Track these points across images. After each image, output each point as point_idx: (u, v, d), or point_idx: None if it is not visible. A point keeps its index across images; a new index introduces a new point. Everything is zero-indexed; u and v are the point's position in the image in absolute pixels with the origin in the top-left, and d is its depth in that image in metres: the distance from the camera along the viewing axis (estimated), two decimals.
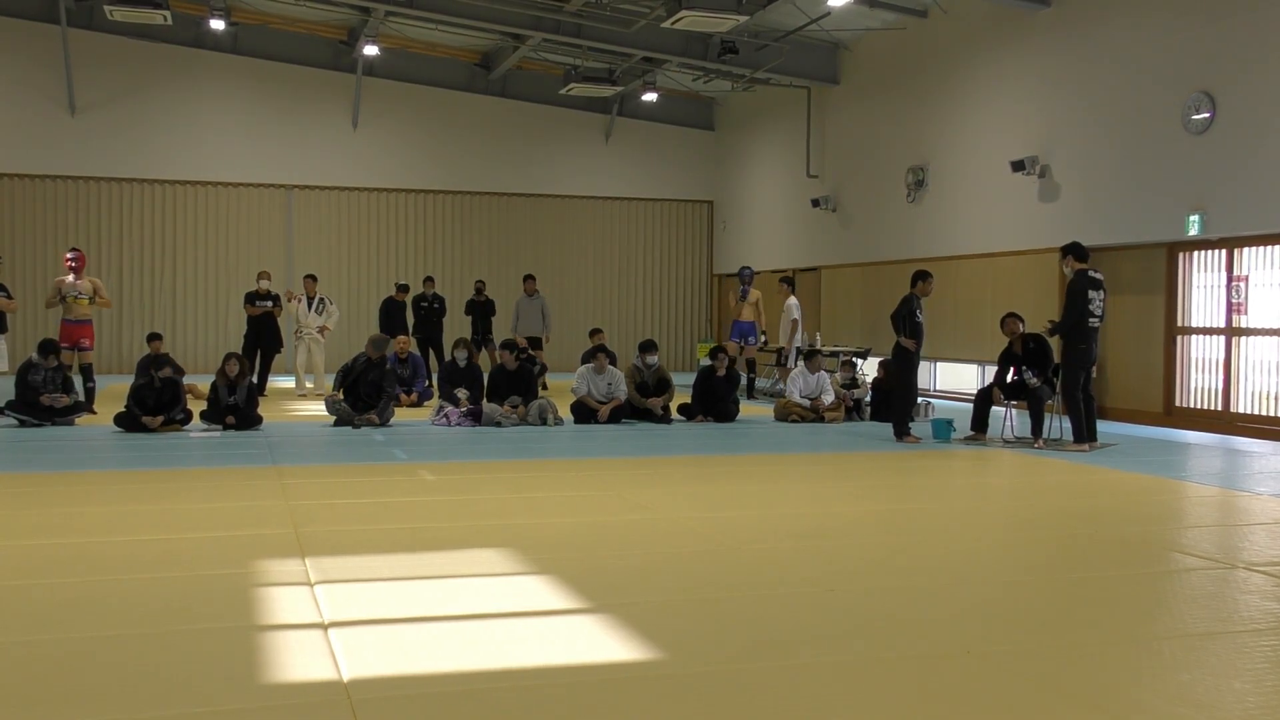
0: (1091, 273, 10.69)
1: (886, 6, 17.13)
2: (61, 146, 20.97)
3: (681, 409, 13.35)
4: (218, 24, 19.35)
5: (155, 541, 6.06)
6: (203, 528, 6.49)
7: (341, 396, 12.16)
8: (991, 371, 12.42)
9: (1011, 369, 11.32)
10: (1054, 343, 11.00)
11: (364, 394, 12.24)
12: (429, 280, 18.08)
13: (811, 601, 4.96)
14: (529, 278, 17.95)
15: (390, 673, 3.90)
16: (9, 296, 12.75)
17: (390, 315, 17.26)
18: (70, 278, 13.16)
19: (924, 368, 15.63)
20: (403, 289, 17.67)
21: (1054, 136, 14.69)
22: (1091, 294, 10.54)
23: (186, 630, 4.42)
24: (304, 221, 22.44)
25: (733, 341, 16.57)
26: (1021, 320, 11.36)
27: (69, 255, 13.37)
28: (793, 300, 16.40)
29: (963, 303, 16.20)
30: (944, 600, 5.05)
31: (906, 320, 11.25)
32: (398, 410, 13.19)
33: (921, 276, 11.49)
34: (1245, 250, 12.51)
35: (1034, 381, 10.97)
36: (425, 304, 17.65)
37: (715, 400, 13.18)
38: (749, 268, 17.46)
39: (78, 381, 12.79)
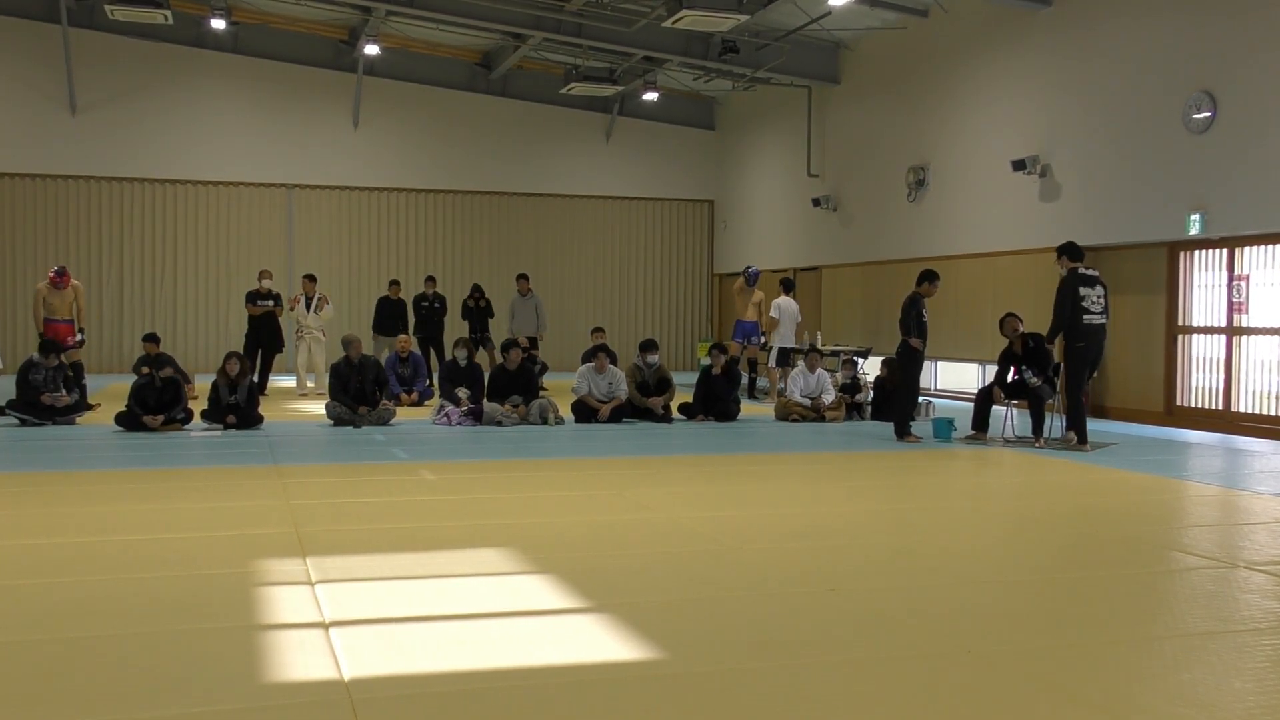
0: (1083, 270, 10.67)
1: (887, 6, 17.12)
2: (61, 146, 20.96)
3: (682, 408, 13.35)
4: (218, 23, 19.34)
5: (155, 541, 6.06)
6: (203, 527, 6.50)
7: (341, 403, 12.12)
8: (992, 371, 12.41)
9: (1011, 368, 11.32)
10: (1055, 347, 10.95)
11: (367, 393, 12.27)
12: (430, 280, 18.03)
13: (812, 601, 4.95)
14: (522, 277, 17.91)
15: (390, 672, 3.90)
16: None
17: (383, 313, 17.14)
18: (45, 283, 13.51)
19: (925, 367, 15.61)
20: (394, 285, 17.54)
21: (1054, 136, 14.69)
22: (1085, 290, 10.51)
23: (186, 630, 4.42)
24: (304, 221, 22.44)
25: (735, 341, 16.58)
26: (1021, 320, 11.35)
27: (54, 273, 13.57)
28: (780, 299, 16.36)
29: (963, 303, 16.19)
30: (945, 600, 5.05)
31: (914, 320, 11.24)
32: (398, 410, 13.19)
33: (928, 277, 11.48)
34: (1246, 249, 12.51)
35: (1034, 381, 10.96)
36: (426, 303, 17.62)
37: (715, 399, 13.18)
38: (753, 267, 17.47)
39: None
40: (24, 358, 12.58)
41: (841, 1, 16.16)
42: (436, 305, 17.67)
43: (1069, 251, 10.75)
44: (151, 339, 13.88)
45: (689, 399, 13.46)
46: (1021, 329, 11.29)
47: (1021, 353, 11.22)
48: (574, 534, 6.42)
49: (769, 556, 5.91)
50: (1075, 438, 10.61)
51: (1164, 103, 12.96)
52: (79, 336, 13.46)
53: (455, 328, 18.71)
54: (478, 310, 17.84)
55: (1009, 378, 11.34)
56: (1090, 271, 10.76)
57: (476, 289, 18.24)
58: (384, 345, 16.60)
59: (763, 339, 16.71)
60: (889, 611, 4.79)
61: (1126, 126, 13.53)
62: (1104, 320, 10.66)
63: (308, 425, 12.40)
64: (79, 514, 6.99)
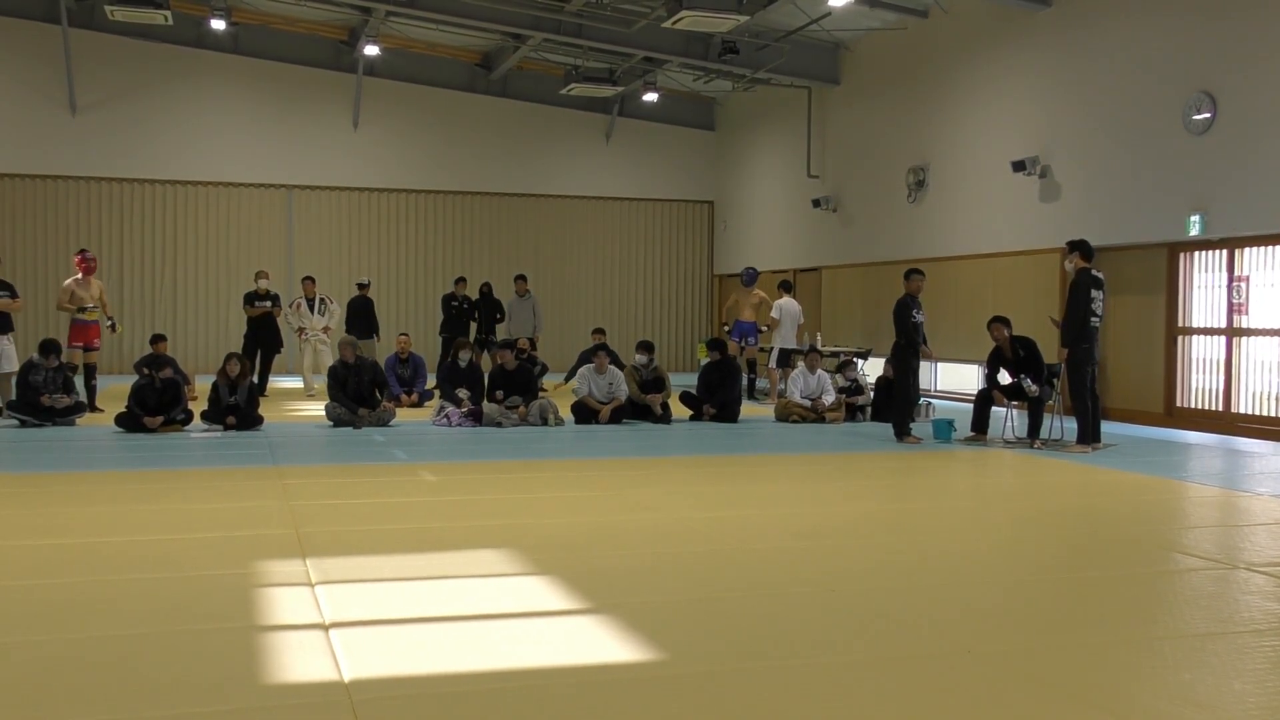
0: (1094, 272, 10.67)
1: (887, 6, 17.12)
2: (61, 146, 20.96)
3: (684, 397, 13.40)
4: (218, 24, 19.35)
5: (155, 541, 6.05)
6: (203, 528, 6.49)
7: (341, 405, 12.14)
8: None
9: (1005, 373, 11.28)
10: (1060, 354, 10.87)
11: (365, 394, 12.28)
12: (461, 281, 18.08)
13: (812, 601, 4.95)
14: (520, 278, 18.01)
15: (390, 673, 3.89)
16: (14, 296, 12.76)
17: (357, 314, 16.92)
18: (80, 275, 13.54)
19: (925, 368, 15.62)
20: (365, 286, 17.39)
21: (1055, 136, 14.69)
22: (1094, 293, 10.52)
23: (186, 630, 4.42)
24: (304, 221, 22.44)
25: (733, 341, 16.59)
26: (1008, 325, 11.28)
27: (88, 257, 13.66)
28: (781, 300, 16.40)
29: (963, 303, 16.19)
30: (944, 600, 5.05)
31: (906, 322, 11.23)
32: (398, 410, 13.20)
33: (907, 275, 11.52)
34: (1246, 250, 12.50)
35: (1033, 389, 10.91)
36: (456, 304, 17.72)
37: (714, 389, 13.23)
38: (753, 268, 17.49)
39: (78, 381, 12.90)
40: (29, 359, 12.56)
41: (841, 2, 16.16)
42: (465, 306, 17.76)
43: (1082, 249, 10.64)
44: (160, 339, 13.91)
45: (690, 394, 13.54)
46: (1009, 334, 11.22)
47: (1012, 359, 11.19)
48: (574, 535, 6.42)
49: (769, 557, 5.91)
50: (1092, 448, 10.53)
51: (1164, 103, 12.96)
52: (110, 322, 13.74)
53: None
54: (483, 308, 17.87)
55: (1000, 380, 11.32)
56: (1099, 273, 10.75)
57: (484, 286, 18.27)
58: (363, 349, 16.42)
59: (756, 338, 16.72)
60: (889, 611, 4.79)
61: (1126, 127, 13.53)
62: (1100, 323, 10.69)
63: (307, 426, 12.39)
64: (79, 514, 6.99)
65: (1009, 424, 11.46)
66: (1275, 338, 12.23)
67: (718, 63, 19.43)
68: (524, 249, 23.56)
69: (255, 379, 14.36)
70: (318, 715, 3.52)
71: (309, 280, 16.85)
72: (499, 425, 12.23)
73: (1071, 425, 10.94)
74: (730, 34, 18.17)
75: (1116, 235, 13.59)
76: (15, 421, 11.75)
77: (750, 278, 17.03)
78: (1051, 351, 11.20)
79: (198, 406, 12.18)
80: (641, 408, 12.96)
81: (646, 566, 5.66)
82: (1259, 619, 4.77)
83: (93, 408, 12.94)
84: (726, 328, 17.45)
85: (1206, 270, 13.02)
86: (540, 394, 12.97)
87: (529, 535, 6.31)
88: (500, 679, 3.85)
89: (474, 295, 18.10)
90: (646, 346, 13.48)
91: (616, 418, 12.73)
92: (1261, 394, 12.41)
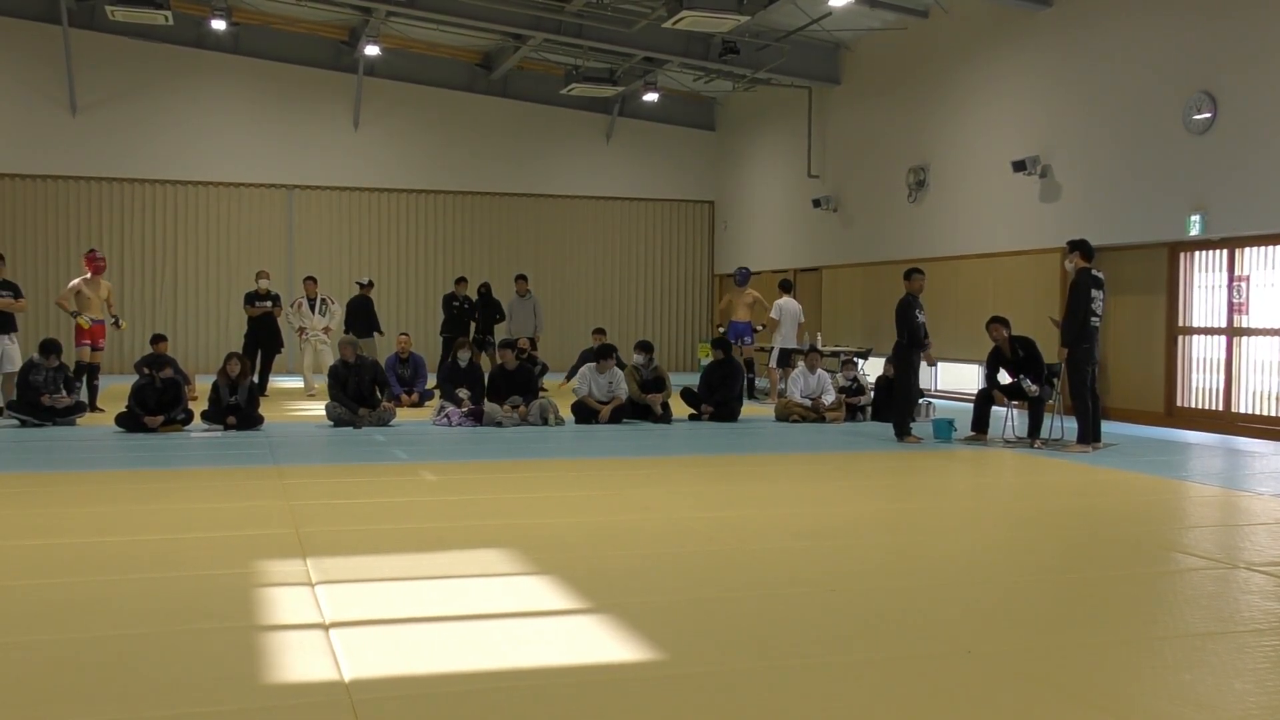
0: (1094, 272, 10.67)
1: (887, 6, 17.12)
2: (62, 146, 20.97)
3: (685, 394, 13.41)
4: (219, 24, 19.36)
5: (155, 541, 6.05)
6: (204, 528, 6.49)
7: (341, 404, 12.14)
8: None
9: (1005, 373, 11.28)
10: (1060, 353, 10.85)
11: (365, 394, 12.28)
12: (461, 281, 18.09)
13: (812, 602, 4.95)
14: (520, 278, 18.04)
15: (390, 673, 3.90)
16: (17, 296, 12.75)
17: (357, 314, 16.84)
18: (88, 275, 13.72)
19: (925, 368, 15.63)
20: (366, 285, 17.30)
21: (1055, 136, 14.69)
22: (1094, 293, 10.52)
23: (186, 630, 4.42)
24: (304, 221, 22.44)
25: (730, 342, 16.58)
26: (1007, 325, 11.27)
27: (96, 258, 13.81)
28: (781, 300, 16.41)
29: (963, 303, 16.19)
30: (945, 600, 5.05)
31: (909, 323, 11.22)
32: (399, 410, 13.20)
33: (908, 275, 11.52)
34: (1246, 250, 12.50)
35: (1033, 390, 10.91)
36: (457, 304, 17.72)
37: (714, 388, 13.24)
38: (745, 268, 17.50)
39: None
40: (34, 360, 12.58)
41: (842, 2, 16.16)
42: (466, 306, 17.77)
43: (1083, 249, 10.64)
44: (161, 339, 13.94)
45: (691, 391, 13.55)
46: (1008, 334, 11.21)
47: (1011, 358, 11.19)
48: (574, 534, 6.42)
49: (769, 557, 5.91)
50: (1093, 447, 10.52)
51: (1164, 103, 12.96)
52: (114, 319, 14.14)
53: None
54: (483, 308, 17.90)
55: (999, 379, 11.31)
56: (1099, 273, 10.75)
57: (483, 286, 18.28)
58: (363, 348, 16.40)
59: (752, 338, 16.71)
60: (889, 611, 4.79)
61: (1127, 127, 13.53)
62: (1100, 322, 10.68)
63: (308, 426, 12.39)
64: (79, 514, 6.99)
65: (1009, 424, 11.45)
66: (1275, 337, 12.23)
67: (718, 63, 19.43)
68: (524, 249, 23.56)
69: (255, 379, 14.37)
70: (318, 715, 3.52)
71: (310, 280, 16.86)
72: (499, 425, 12.24)
73: (1071, 425, 10.94)
74: (730, 34, 18.17)
75: (1116, 235, 13.59)
76: (15, 421, 11.76)
77: (743, 278, 17.06)
78: (1051, 351, 11.20)
79: (198, 406, 12.18)
80: (641, 407, 12.97)
81: (646, 566, 5.66)
82: (1259, 619, 4.77)
83: (94, 408, 12.98)
84: (721, 329, 17.46)
85: (1207, 270, 13.02)
86: (540, 393, 12.98)
87: (529, 535, 6.31)
88: (500, 679, 3.85)
89: (474, 295, 18.11)
90: (645, 346, 13.50)
91: (616, 417, 12.74)
92: (1262, 394, 12.40)
